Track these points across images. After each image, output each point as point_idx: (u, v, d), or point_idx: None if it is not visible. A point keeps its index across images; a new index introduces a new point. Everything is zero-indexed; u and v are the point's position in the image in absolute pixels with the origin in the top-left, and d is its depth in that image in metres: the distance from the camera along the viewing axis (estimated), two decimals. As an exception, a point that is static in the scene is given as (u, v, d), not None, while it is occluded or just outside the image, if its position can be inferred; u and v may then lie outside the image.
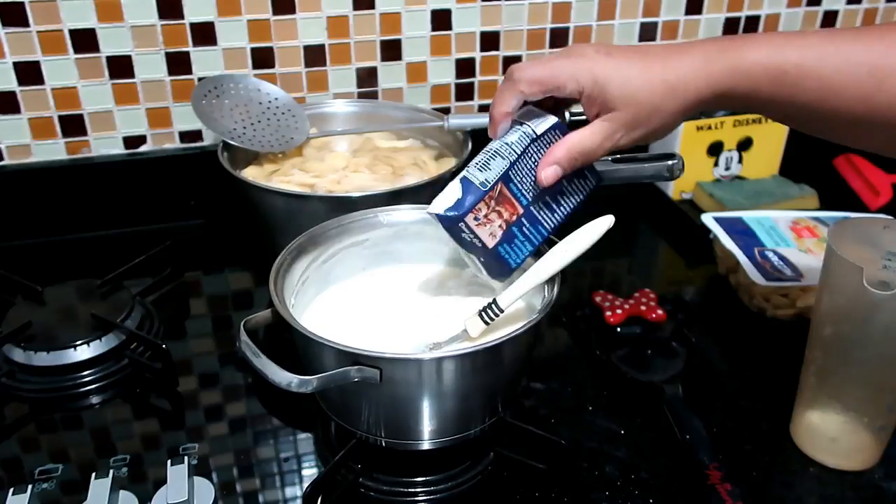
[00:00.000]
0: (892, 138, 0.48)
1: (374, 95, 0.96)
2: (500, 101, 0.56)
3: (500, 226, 0.56)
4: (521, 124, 0.56)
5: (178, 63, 0.88)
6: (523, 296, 0.57)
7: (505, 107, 0.55)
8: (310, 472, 0.59)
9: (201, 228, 0.94)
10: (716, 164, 0.98)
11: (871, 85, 0.45)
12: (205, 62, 0.89)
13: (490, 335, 0.54)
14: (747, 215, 0.85)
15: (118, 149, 0.91)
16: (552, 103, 0.58)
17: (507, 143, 0.56)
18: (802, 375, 0.59)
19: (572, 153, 0.54)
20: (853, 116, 0.47)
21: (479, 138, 0.81)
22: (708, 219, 0.84)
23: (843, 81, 0.46)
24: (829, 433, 0.58)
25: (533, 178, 0.56)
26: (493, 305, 0.57)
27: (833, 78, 0.46)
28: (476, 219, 0.55)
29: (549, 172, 0.54)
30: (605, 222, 0.56)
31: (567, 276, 0.60)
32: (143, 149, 0.92)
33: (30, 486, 0.55)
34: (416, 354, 0.51)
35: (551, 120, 0.56)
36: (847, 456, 0.58)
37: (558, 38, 0.99)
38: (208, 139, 0.94)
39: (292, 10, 0.89)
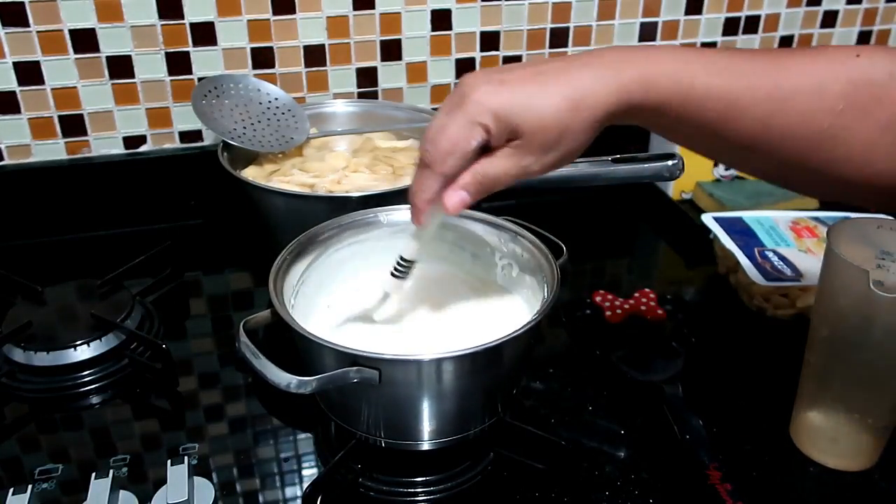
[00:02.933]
0: (783, 164, 0.48)
1: (374, 95, 0.96)
2: (422, 188, 0.51)
3: None
4: None
5: (178, 63, 0.88)
6: (423, 240, 0.57)
7: (427, 195, 0.51)
8: (310, 472, 0.59)
9: (201, 228, 0.94)
10: (716, 164, 0.98)
11: (771, 106, 0.46)
12: (205, 62, 0.89)
13: (489, 335, 0.54)
14: (747, 215, 0.85)
15: (118, 149, 0.91)
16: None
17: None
18: (802, 376, 0.59)
19: (477, 177, 0.49)
20: (752, 139, 0.47)
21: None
22: (708, 219, 0.84)
23: (745, 102, 0.46)
24: (829, 433, 0.58)
25: None
26: (399, 261, 0.58)
27: (737, 98, 0.46)
28: None
29: (454, 200, 0.50)
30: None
31: (567, 276, 0.60)
32: (143, 149, 0.92)
33: (30, 486, 0.55)
34: (416, 355, 0.51)
35: None
36: (847, 456, 0.58)
37: (558, 38, 0.99)
38: (208, 139, 0.94)
39: (292, 10, 0.89)
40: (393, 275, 0.59)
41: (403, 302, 0.65)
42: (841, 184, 0.49)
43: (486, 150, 0.49)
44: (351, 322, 0.62)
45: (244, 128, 0.83)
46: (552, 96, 0.47)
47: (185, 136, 0.93)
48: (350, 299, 0.65)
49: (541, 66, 0.49)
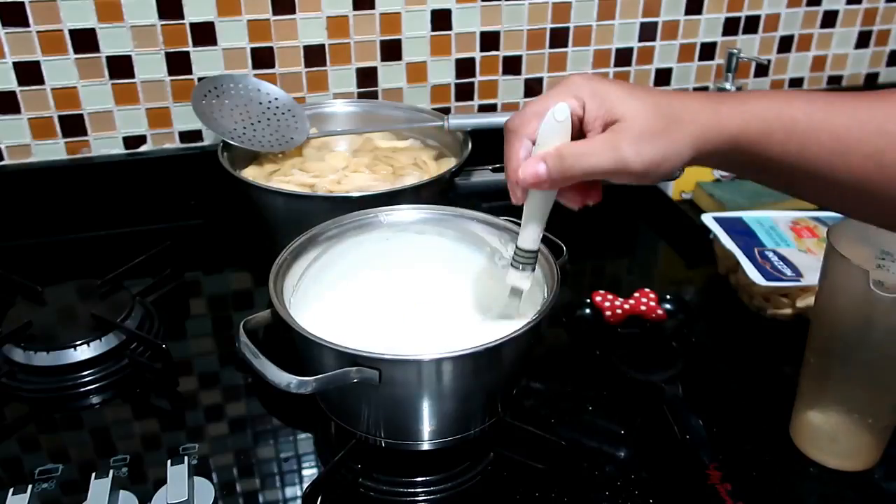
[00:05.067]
0: (887, 204, 0.44)
1: (374, 95, 0.96)
2: (508, 157, 0.49)
3: None
4: None
5: (178, 63, 0.88)
6: (536, 226, 0.53)
7: (515, 162, 0.48)
8: (310, 472, 0.59)
9: (201, 228, 0.94)
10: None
11: (883, 143, 0.43)
12: (205, 62, 0.89)
13: (489, 335, 0.54)
14: (747, 215, 0.85)
15: (118, 149, 0.91)
16: None
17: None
18: (802, 376, 0.59)
19: (561, 151, 0.46)
20: (864, 177, 0.43)
21: (479, 138, 0.81)
22: (708, 219, 0.84)
23: (854, 137, 0.43)
24: (829, 433, 0.58)
25: None
26: (517, 252, 0.55)
27: (845, 133, 0.43)
28: None
29: (529, 170, 0.47)
30: (558, 111, 0.47)
31: (567, 276, 0.60)
32: (143, 149, 0.92)
33: (30, 486, 0.55)
34: (416, 355, 0.51)
35: None
36: (847, 456, 0.58)
37: (558, 38, 0.99)
38: (208, 139, 0.94)
39: (292, 10, 0.89)
40: (514, 266, 0.55)
41: (404, 302, 0.65)
42: None
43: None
44: (351, 322, 0.62)
45: (244, 128, 0.83)
46: (655, 100, 0.46)
47: (185, 136, 0.93)
48: (350, 299, 0.65)
49: (643, 85, 0.48)
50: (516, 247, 0.55)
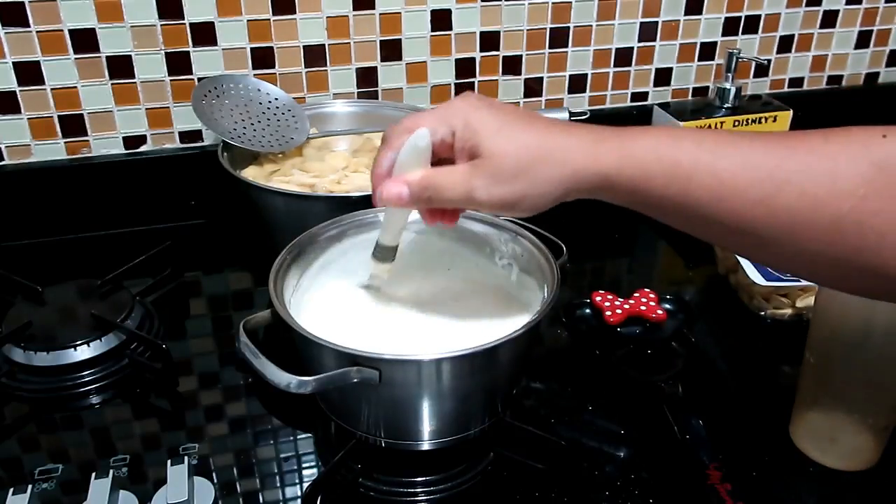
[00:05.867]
0: (801, 254, 0.42)
1: (374, 95, 0.96)
2: (376, 162, 0.51)
3: None
4: None
5: (178, 63, 0.88)
6: (394, 226, 0.58)
7: (378, 169, 0.51)
8: (310, 472, 0.59)
9: (201, 228, 0.94)
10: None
11: (771, 187, 0.41)
12: (205, 62, 0.89)
13: (489, 336, 0.54)
14: (747, 215, 0.85)
15: (118, 149, 0.91)
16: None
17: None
18: (802, 375, 0.59)
19: (423, 180, 0.48)
20: (751, 220, 0.42)
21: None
22: (708, 219, 0.84)
23: (742, 182, 0.41)
24: (829, 433, 0.58)
25: None
26: (377, 247, 0.60)
27: (729, 178, 0.42)
28: None
29: (392, 191, 0.49)
30: (418, 137, 0.49)
31: (567, 276, 0.60)
32: (143, 149, 0.92)
33: (30, 486, 0.55)
34: (416, 355, 0.51)
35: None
36: (847, 456, 0.58)
37: (558, 38, 0.99)
38: (208, 139, 0.94)
39: (292, 10, 0.89)
40: (374, 257, 0.60)
41: (404, 302, 0.65)
42: (878, 277, 0.42)
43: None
44: (351, 322, 0.62)
45: (244, 128, 0.83)
46: (528, 137, 0.46)
47: (185, 136, 0.93)
48: (350, 299, 0.65)
49: (533, 115, 0.48)
50: (377, 241, 0.59)
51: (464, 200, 0.47)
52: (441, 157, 0.49)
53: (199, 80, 0.89)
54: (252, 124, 0.84)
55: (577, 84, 1.03)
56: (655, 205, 0.45)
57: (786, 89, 1.13)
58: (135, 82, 0.88)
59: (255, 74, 0.90)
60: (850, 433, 0.57)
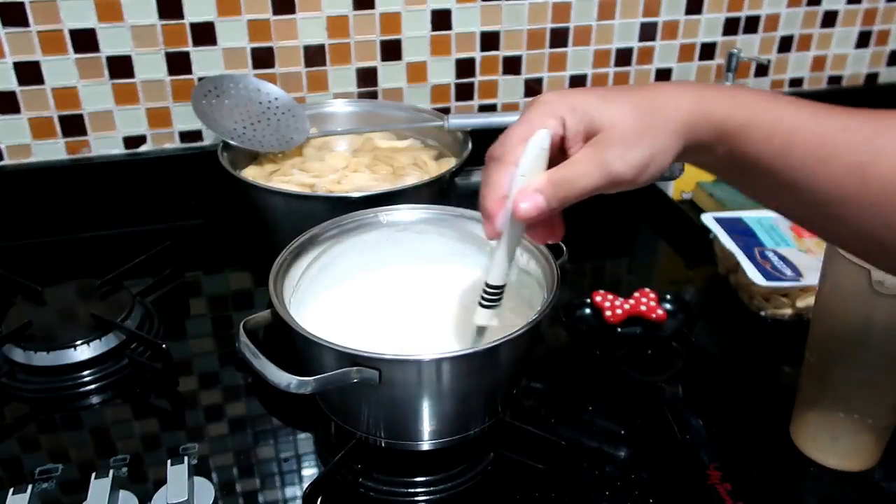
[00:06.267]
0: (869, 225, 0.41)
1: (374, 95, 0.96)
2: (491, 186, 0.46)
3: None
4: None
5: (178, 63, 0.88)
6: (507, 262, 0.51)
7: (498, 191, 0.46)
8: (310, 472, 0.59)
9: (201, 228, 0.94)
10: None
11: (868, 154, 0.40)
12: (205, 62, 0.89)
13: (489, 336, 0.54)
14: (747, 215, 0.85)
15: (118, 149, 0.91)
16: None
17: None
18: (802, 375, 0.59)
19: (553, 178, 0.45)
20: (845, 190, 0.41)
21: (479, 138, 0.81)
22: (708, 219, 0.84)
23: (840, 144, 0.41)
24: (829, 433, 0.58)
25: None
26: (485, 289, 0.53)
27: (830, 139, 0.41)
28: None
29: (527, 203, 0.45)
30: (540, 138, 0.45)
31: (567, 276, 0.60)
32: (143, 149, 0.92)
33: (30, 486, 0.54)
34: (416, 355, 0.51)
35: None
36: (847, 456, 0.58)
37: (558, 37, 0.99)
38: (208, 139, 0.94)
39: (292, 10, 0.89)
40: (482, 305, 0.53)
41: (404, 302, 0.65)
42: None
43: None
44: (351, 322, 0.62)
45: (244, 128, 0.83)
46: (632, 99, 0.44)
47: (185, 136, 0.93)
48: (350, 299, 0.65)
49: (622, 86, 0.46)
50: (486, 284, 0.52)
51: (604, 180, 0.44)
52: (559, 157, 0.46)
53: (199, 80, 0.89)
54: (252, 124, 0.84)
55: (577, 84, 1.03)
56: (753, 162, 0.43)
57: (786, 89, 1.13)
58: (135, 82, 0.88)
59: (255, 74, 0.90)
60: (850, 433, 0.57)
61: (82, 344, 0.67)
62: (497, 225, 0.47)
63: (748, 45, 1.07)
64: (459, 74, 0.98)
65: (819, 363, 0.57)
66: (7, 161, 0.88)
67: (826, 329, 0.55)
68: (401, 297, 0.65)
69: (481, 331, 0.55)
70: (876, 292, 0.50)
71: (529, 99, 1.01)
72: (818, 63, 1.12)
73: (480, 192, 0.47)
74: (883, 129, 0.41)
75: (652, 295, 0.75)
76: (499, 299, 0.53)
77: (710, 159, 0.45)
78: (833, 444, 0.58)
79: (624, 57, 1.03)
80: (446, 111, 0.96)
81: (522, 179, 0.45)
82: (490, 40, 0.97)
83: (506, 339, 0.51)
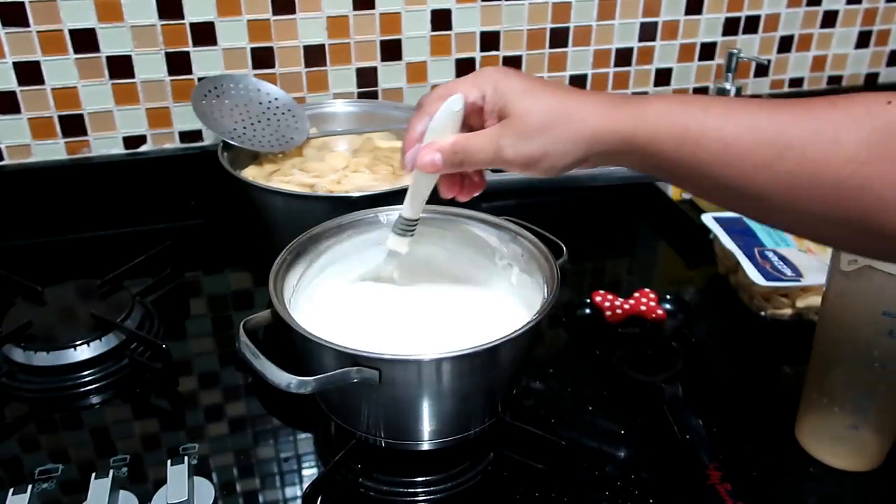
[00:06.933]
0: (807, 216, 0.43)
1: (374, 95, 0.96)
2: (410, 128, 0.53)
3: None
4: None
5: (178, 63, 0.88)
6: (418, 197, 0.59)
7: (412, 134, 0.53)
8: (310, 472, 0.59)
9: (201, 228, 0.94)
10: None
11: (773, 152, 0.42)
12: (205, 62, 0.89)
13: (489, 335, 0.54)
14: (747, 215, 0.85)
15: (118, 149, 0.91)
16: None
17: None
18: (808, 376, 0.59)
19: (455, 145, 0.51)
20: (756, 186, 0.43)
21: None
22: (708, 219, 0.84)
23: (744, 146, 0.43)
24: (834, 434, 0.58)
25: None
26: (400, 220, 0.61)
27: (734, 141, 0.43)
28: None
29: (426, 158, 0.52)
30: (452, 101, 0.51)
31: (567, 276, 0.60)
32: (143, 149, 0.92)
33: (30, 486, 0.55)
34: (416, 355, 0.51)
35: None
36: (852, 457, 0.58)
37: (558, 37, 0.99)
38: (208, 139, 0.94)
39: (292, 10, 0.89)
40: (395, 232, 0.61)
41: (404, 302, 0.65)
42: (884, 238, 0.42)
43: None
44: (351, 322, 0.62)
45: (244, 128, 0.83)
46: (552, 98, 0.48)
47: (185, 136, 0.93)
48: (350, 299, 0.65)
49: (554, 82, 0.51)
50: (400, 215, 0.60)
51: (493, 160, 0.50)
52: (470, 124, 0.52)
53: (199, 80, 0.89)
54: (252, 124, 0.84)
55: (577, 84, 1.03)
56: (668, 169, 0.46)
57: (786, 89, 1.13)
58: (135, 82, 0.88)
59: (255, 74, 0.90)
60: (855, 434, 0.57)
61: (82, 344, 0.67)
62: (406, 162, 0.54)
63: (748, 45, 1.07)
64: (459, 74, 0.98)
65: (823, 367, 0.57)
66: (7, 161, 0.88)
67: (833, 331, 0.55)
68: (401, 297, 0.65)
69: (392, 254, 0.63)
70: (845, 273, 0.50)
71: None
72: (818, 63, 1.12)
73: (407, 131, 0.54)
74: (789, 121, 0.43)
75: (652, 295, 0.75)
76: (410, 230, 0.61)
77: (630, 164, 0.48)
78: (838, 445, 0.58)
79: (624, 57, 1.03)
80: (446, 111, 0.96)
81: (432, 134, 0.52)
82: (490, 40, 0.97)
83: (506, 339, 0.51)
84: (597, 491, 0.56)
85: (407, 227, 0.61)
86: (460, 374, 0.52)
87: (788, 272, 0.75)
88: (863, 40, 1.12)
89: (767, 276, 0.74)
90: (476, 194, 0.57)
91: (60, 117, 0.88)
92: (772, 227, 0.47)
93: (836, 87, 1.15)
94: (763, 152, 0.42)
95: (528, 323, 0.53)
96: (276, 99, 0.86)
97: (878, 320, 0.51)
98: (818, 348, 0.58)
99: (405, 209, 0.60)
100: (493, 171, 0.56)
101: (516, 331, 0.52)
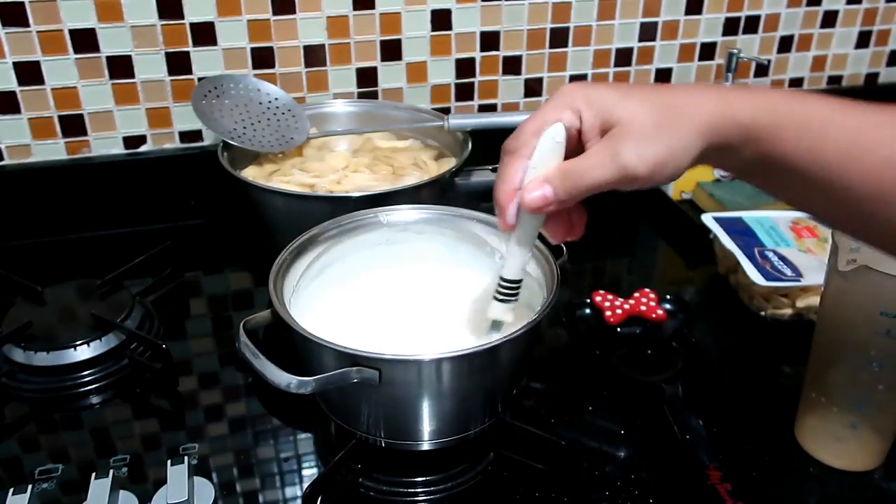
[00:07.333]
0: None
1: (374, 95, 0.96)
2: (503, 178, 0.47)
3: None
4: None
5: (178, 63, 0.88)
6: (522, 256, 0.51)
7: (510, 183, 0.46)
8: (310, 472, 0.59)
9: (201, 228, 0.94)
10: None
11: None
12: (205, 62, 0.89)
13: (489, 336, 0.54)
14: (747, 215, 0.85)
15: (118, 149, 0.91)
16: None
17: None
18: (806, 377, 0.59)
19: (563, 169, 0.45)
20: (879, 184, 0.39)
21: (479, 138, 0.81)
22: (708, 219, 0.84)
23: (872, 138, 0.40)
24: (834, 434, 0.58)
25: None
26: (499, 282, 0.53)
27: (862, 133, 0.40)
28: None
29: (535, 193, 0.45)
30: (554, 132, 0.45)
31: (567, 276, 0.60)
32: (143, 149, 0.92)
33: (30, 486, 0.55)
34: (416, 355, 0.51)
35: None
36: (851, 456, 0.58)
37: (558, 37, 0.99)
38: (208, 139, 0.94)
39: (292, 10, 0.89)
40: (497, 298, 0.53)
41: (404, 302, 0.65)
42: None
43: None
44: (351, 322, 0.62)
45: (244, 128, 0.83)
46: (652, 94, 0.44)
47: (185, 136, 0.93)
48: (350, 299, 0.65)
49: (644, 84, 0.45)
50: (501, 278, 0.53)
51: (616, 173, 0.43)
52: (575, 152, 0.46)
53: (199, 80, 0.89)
54: (252, 124, 0.84)
55: (577, 84, 1.03)
56: (782, 163, 0.42)
57: (786, 89, 1.13)
58: (135, 82, 0.88)
59: (255, 74, 0.90)
60: (855, 434, 0.57)
61: (82, 344, 0.67)
62: (508, 217, 0.47)
63: (748, 46, 1.07)
64: (459, 74, 0.98)
65: (822, 367, 0.57)
66: (7, 161, 0.88)
67: (829, 335, 0.55)
68: (401, 297, 0.65)
69: (496, 325, 0.55)
70: (842, 273, 0.50)
71: (528, 100, 1.02)
72: (818, 63, 1.12)
73: (494, 184, 0.47)
74: None
75: (652, 295, 0.75)
76: (513, 294, 0.53)
77: (737, 161, 0.44)
78: (838, 444, 0.58)
79: (624, 57, 1.03)
80: (446, 111, 0.96)
81: (534, 171, 0.45)
82: (490, 40, 0.97)
83: (506, 339, 0.51)
84: (597, 491, 0.56)
85: (511, 291, 0.53)
86: (460, 374, 0.52)
87: (788, 272, 0.75)
88: (863, 40, 1.12)
89: (767, 276, 0.74)
90: (583, 230, 0.50)
91: (60, 117, 0.88)
92: (869, 240, 0.43)
93: (836, 87, 1.15)
94: (891, 145, 0.39)
95: (528, 323, 0.53)
96: (276, 99, 0.86)
97: (876, 320, 0.51)
98: (816, 348, 0.58)
99: (508, 270, 0.52)
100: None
101: (516, 331, 0.52)
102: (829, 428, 0.58)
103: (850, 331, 0.54)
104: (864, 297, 0.51)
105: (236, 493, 0.56)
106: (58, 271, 0.80)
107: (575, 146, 0.45)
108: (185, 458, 0.56)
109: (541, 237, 0.51)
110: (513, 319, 0.55)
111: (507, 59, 0.99)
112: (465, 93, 0.99)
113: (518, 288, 0.53)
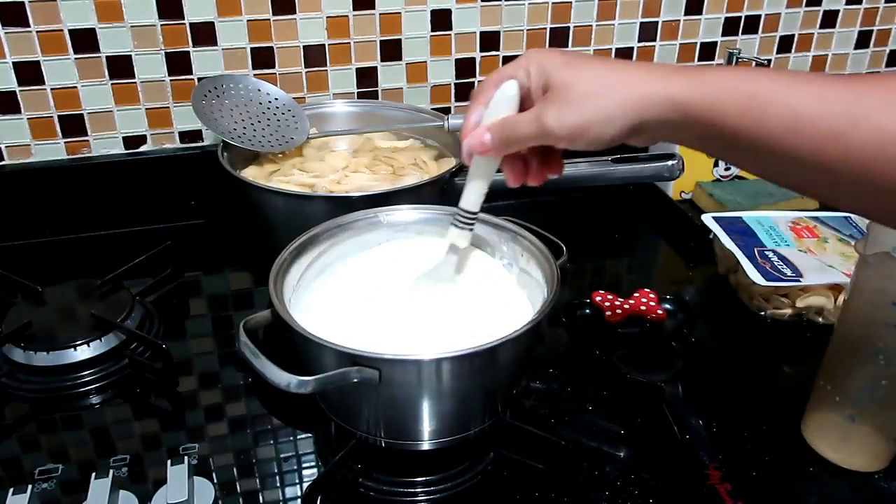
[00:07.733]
0: (858, 189, 0.42)
1: (374, 95, 0.96)
2: (465, 120, 0.53)
3: None
4: None
5: (178, 63, 0.88)
6: (478, 189, 0.57)
7: (468, 124, 0.52)
8: (310, 472, 0.59)
9: (201, 228, 0.94)
10: (716, 164, 0.98)
11: (845, 122, 0.40)
12: (205, 62, 0.89)
13: (489, 336, 0.54)
14: (747, 215, 0.85)
15: (118, 149, 0.91)
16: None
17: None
18: (819, 376, 0.59)
19: (502, 123, 0.50)
20: (825, 158, 0.41)
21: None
22: (708, 219, 0.84)
23: (815, 114, 0.41)
24: (841, 434, 0.58)
25: None
26: (458, 211, 0.58)
27: (806, 109, 0.41)
28: None
29: (476, 139, 0.51)
30: (507, 86, 0.51)
31: (567, 276, 0.60)
32: (143, 149, 0.92)
33: (30, 486, 0.55)
34: (416, 355, 0.51)
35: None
36: (858, 456, 0.58)
37: (558, 37, 0.99)
38: (208, 139, 0.94)
39: (292, 10, 0.89)
40: (455, 226, 0.59)
41: (404, 302, 0.65)
42: None
43: None
44: (351, 322, 0.62)
45: (244, 128, 0.83)
46: (594, 65, 0.47)
47: (185, 136, 0.93)
48: (350, 299, 0.65)
49: (602, 56, 0.48)
50: (459, 207, 0.58)
51: (538, 133, 0.48)
52: (526, 108, 0.51)
53: (199, 80, 0.89)
54: (252, 124, 0.84)
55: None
56: (728, 139, 0.43)
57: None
58: (135, 82, 0.88)
59: (255, 74, 0.90)
60: (862, 436, 0.57)
61: (82, 344, 0.67)
62: (463, 153, 0.53)
63: (748, 45, 1.07)
64: (459, 74, 0.98)
65: (836, 357, 0.57)
66: (7, 161, 0.88)
67: (847, 323, 0.55)
68: (401, 297, 0.65)
69: (453, 248, 0.61)
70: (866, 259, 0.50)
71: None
72: (818, 63, 1.12)
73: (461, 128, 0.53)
74: (863, 92, 0.41)
75: (652, 295, 0.75)
76: (469, 223, 0.59)
77: (688, 137, 0.46)
78: (845, 445, 0.58)
79: (624, 57, 1.03)
80: (446, 111, 0.96)
81: (486, 119, 0.51)
82: (490, 40, 0.97)
83: (506, 339, 0.51)
84: (597, 491, 0.56)
85: (467, 220, 0.59)
86: (460, 374, 0.52)
87: (788, 272, 0.75)
88: (863, 40, 1.12)
89: (767, 276, 0.74)
90: (553, 177, 0.55)
91: (60, 117, 0.88)
92: (839, 207, 0.45)
93: (836, 87, 1.15)
94: (834, 121, 0.40)
95: (528, 323, 0.53)
96: (276, 99, 0.86)
97: (888, 309, 0.51)
98: (834, 336, 0.58)
99: (464, 201, 0.58)
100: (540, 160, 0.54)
101: (516, 331, 0.52)
102: (836, 429, 0.58)
103: (864, 320, 0.53)
104: (881, 284, 0.51)
105: (236, 493, 0.56)
106: (58, 271, 0.80)
107: (530, 103, 0.50)
108: (185, 458, 0.56)
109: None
110: (467, 245, 0.61)
111: (507, 60, 0.98)
112: (465, 93, 0.99)
113: (474, 219, 0.59)
